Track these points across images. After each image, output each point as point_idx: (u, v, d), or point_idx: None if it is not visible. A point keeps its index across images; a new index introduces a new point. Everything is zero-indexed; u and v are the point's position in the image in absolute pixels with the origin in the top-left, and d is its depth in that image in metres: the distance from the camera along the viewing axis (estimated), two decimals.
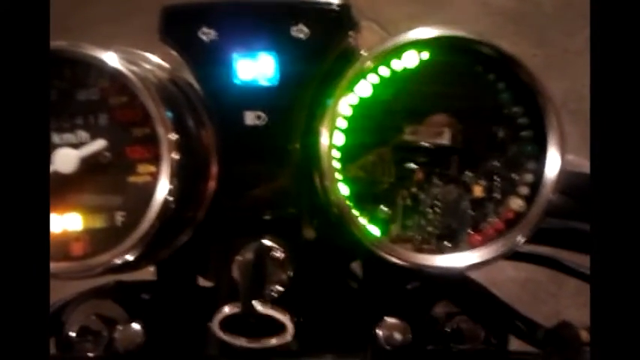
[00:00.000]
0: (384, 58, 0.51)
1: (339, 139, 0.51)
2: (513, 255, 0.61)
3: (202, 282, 0.60)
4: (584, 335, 0.54)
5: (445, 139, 0.52)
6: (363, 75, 0.51)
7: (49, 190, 0.48)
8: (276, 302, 0.51)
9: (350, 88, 0.51)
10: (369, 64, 0.50)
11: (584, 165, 0.73)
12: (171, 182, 0.48)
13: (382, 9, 2.85)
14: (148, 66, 0.54)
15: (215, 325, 0.51)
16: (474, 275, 0.56)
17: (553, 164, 0.50)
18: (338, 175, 0.51)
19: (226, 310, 0.51)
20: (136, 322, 0.54)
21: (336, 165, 0.51)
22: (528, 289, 2.02)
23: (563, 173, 0.65)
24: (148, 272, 0.59)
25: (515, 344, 0.59)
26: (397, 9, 2.90)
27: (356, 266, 0.62)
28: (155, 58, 0.56)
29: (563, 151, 0.50)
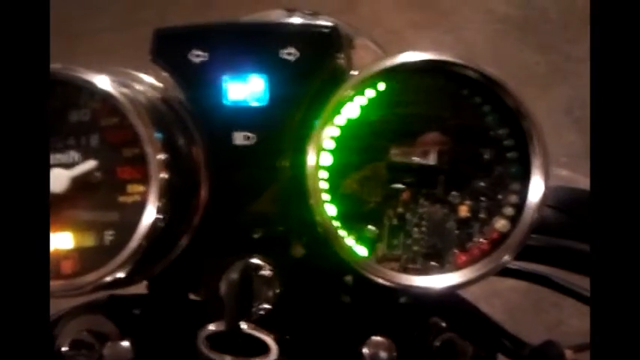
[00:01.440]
0: (371, 80, 0.51)
1: (327, 159, 0.52)
2: (505, 272, 0.62)
3: (194, 298, 0.60)
4: (569, 354, 0.55)
5: (432, 160, 0.52)
6: (349, 98, 0.51)
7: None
8: (263, 320, 0.52)
9: (337, 110, 0.52)
10: (352, 90, 0.51)
11: (578, 180, 0.73)
12: (159, 201, 0.49)
13: (385, 17, 2.86)
14: (139, 86, 0.55)
15: (200, 342, 0.52)
16: (472, 287, 0.57)
17: (536, 187, 0.51)
18: (325, 196, 0.52)
19: (211, 327, 0.51)
20: (125, 338, 0.54)
21: (323, 185, 0.52)
22: (530, 298, 2.02)
23: (555, 190, 0.66)
24: (143, 286, 0.60)
25: None
26: (400, 17, 2.91)
27: (347, 282, 0.62)
28: (148, 78, 0.58)
29: (547, 174, 0.51)
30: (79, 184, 0.50)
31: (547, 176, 0.50)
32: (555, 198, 0.67)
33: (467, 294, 0.61)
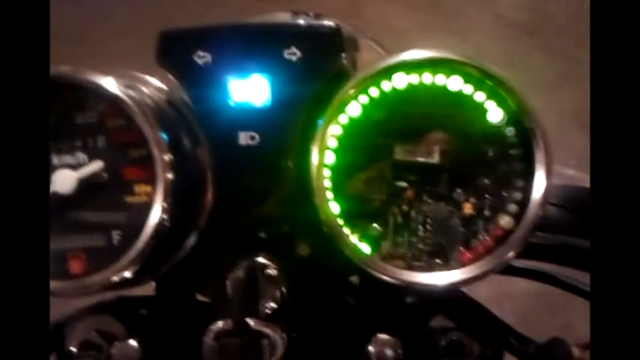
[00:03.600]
0: (374, 79, 0.52)
1: (330, 158, 0.52)
2: (509, 270, 0.62)
3: (201, 298, 0.61)
4: (577, 352, 0.55)
5: (435, 158, 0.53)
6: (353, 96, 0.52)
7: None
8: (269, 319, 0.53)
9: (340, 110, 0.52)
10: (355, 88, 0.51)
11: (585, 180, 0.73)
12: (166, 202, 0.50)
13: (393, 19, 2.87)
14: (145, 88, 0.55)
15: (207, 341, 0.52)
16: (479, 288, 0.57)
17: (540, 184, 0.51)
18: (329, 194, 0.52)
19: (219, 325, 0.52)
20: (133, 338, 0.55)
21: (327, 184, 0.52)
22: (539, 301, 2.01)
23: (561, 189, 0.66)
24: (150, 287, 0.60)
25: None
26: (408, 19, 2.92)
27: (352, 281, 0.63)
28: (153, 80, 0.58)
29: (551, 170, 0.51)
30: (87, 185, 0.51)
31: (550, 173, 0.51)
32: (561, 196, 0.67)
33: (476, 296, 0.62)
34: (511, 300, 1.88)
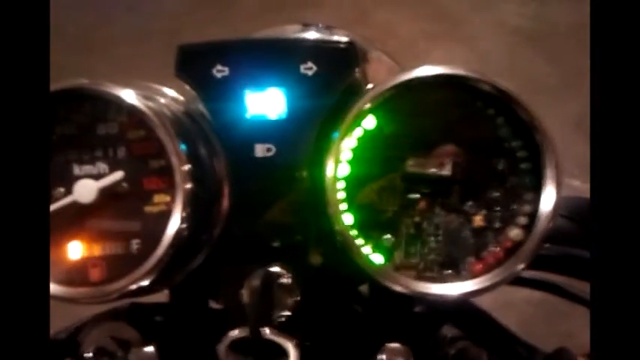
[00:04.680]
0: (388, 93, 0.53)
1: (344, 170, 0.54)
2: (516, 281, 0.63)
3: (214, 306, 0.62)
4: None
5: (447, 171, 0.54)
6: (368, 110, 0.53)
7: (64, 219, 0.52)
8: (283, 327, 0.54)
9: (356, 123, 0.53)
10: (371, 102, 0.53)
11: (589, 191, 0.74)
12: (184, 211, 0.51)
13: (399, 28, 2.88)
14: (163, 100, 0.57)
15: (222, 348, 0.53)
16: (485, 296, 0.58)
17: (549, 198, 0.52)
18: (342, 205, 0.53)
19: (234, 333, 0.53)
20: (149, 345, 0.56)
21: (341, 195, 0.53)
22: (542, 309, 2.02)
23: (568, 200, 0.67)
24: (163, 294, 0.61)
25: None
26: (414, 27, 2.92)
27: (364, 290, 0.64)
28: (170, 91, 0.59)
29: (560, 184, 0.52)
30: (107, 195, 0.52)
31: (560, 187, 0.52)
32: (567, 207, 0.68)
33: (479, 304, 0.63)
34: (512, 308, 1.89)
